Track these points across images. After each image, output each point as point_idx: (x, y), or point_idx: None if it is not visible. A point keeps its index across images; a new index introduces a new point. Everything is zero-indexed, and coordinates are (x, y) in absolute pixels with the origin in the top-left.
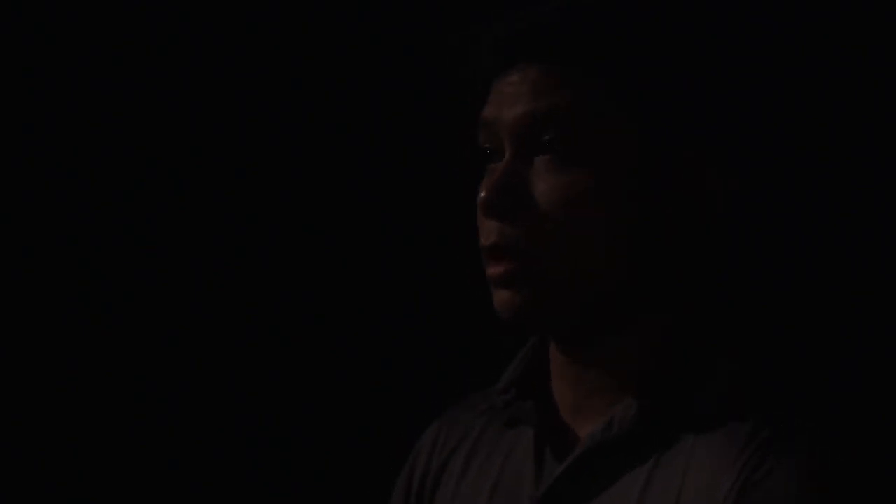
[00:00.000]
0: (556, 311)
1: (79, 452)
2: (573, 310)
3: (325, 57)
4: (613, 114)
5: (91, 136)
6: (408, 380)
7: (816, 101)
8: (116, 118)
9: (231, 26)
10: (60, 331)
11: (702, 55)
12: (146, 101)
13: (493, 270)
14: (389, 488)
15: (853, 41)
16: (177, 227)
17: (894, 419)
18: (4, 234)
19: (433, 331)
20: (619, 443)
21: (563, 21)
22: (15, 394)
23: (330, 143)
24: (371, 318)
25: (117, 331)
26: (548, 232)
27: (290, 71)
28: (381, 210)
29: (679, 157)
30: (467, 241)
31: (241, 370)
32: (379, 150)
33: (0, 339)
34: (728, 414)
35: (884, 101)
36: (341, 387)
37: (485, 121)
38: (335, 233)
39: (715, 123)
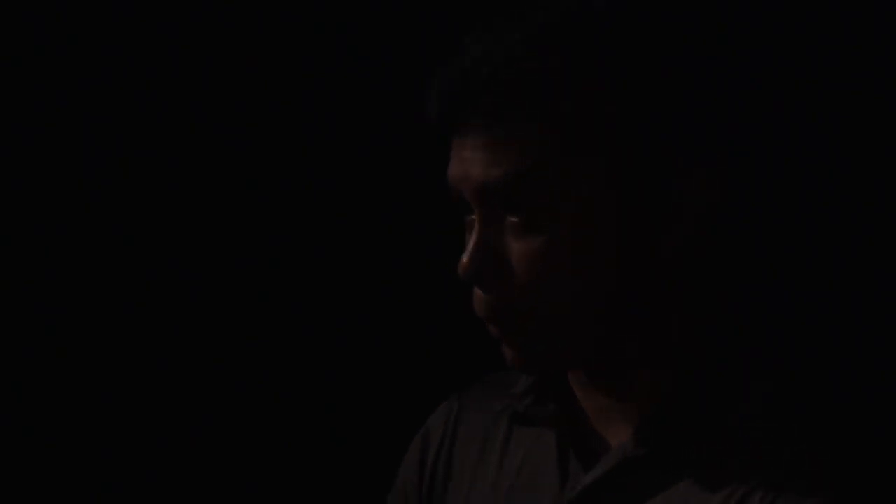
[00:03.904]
0: (562, 357)
1: (78, 452)
2: (578, 352)
3: (324, 57)
4: (574, 156)
5: (90, 136)
6: (408, 378)
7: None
8: (116, 117)
9: (227, 26)
10: (60, 330)
11: (655, 90)
12: (146, 100)
13: (491, 331)
14: (386, 486)
15: (832, 46)
16: (177, 227)
17: None
18: (4, 234)
19: (433, 329)
20: (649, 457)
21: (496, 79)
22: (15, 393)
23: (330, 143)
24: (371, 317)
25: (117, 330)
26: (532, 293)
27: (287, 71)
28: (381, 209)
29: (651, 182)
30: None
31: (240, 369)
32: (379, 149)
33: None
34: (762, 435)
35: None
36: (341, 386)
37: (450, 181)
38: (335, 232)
39: (679, 141)
